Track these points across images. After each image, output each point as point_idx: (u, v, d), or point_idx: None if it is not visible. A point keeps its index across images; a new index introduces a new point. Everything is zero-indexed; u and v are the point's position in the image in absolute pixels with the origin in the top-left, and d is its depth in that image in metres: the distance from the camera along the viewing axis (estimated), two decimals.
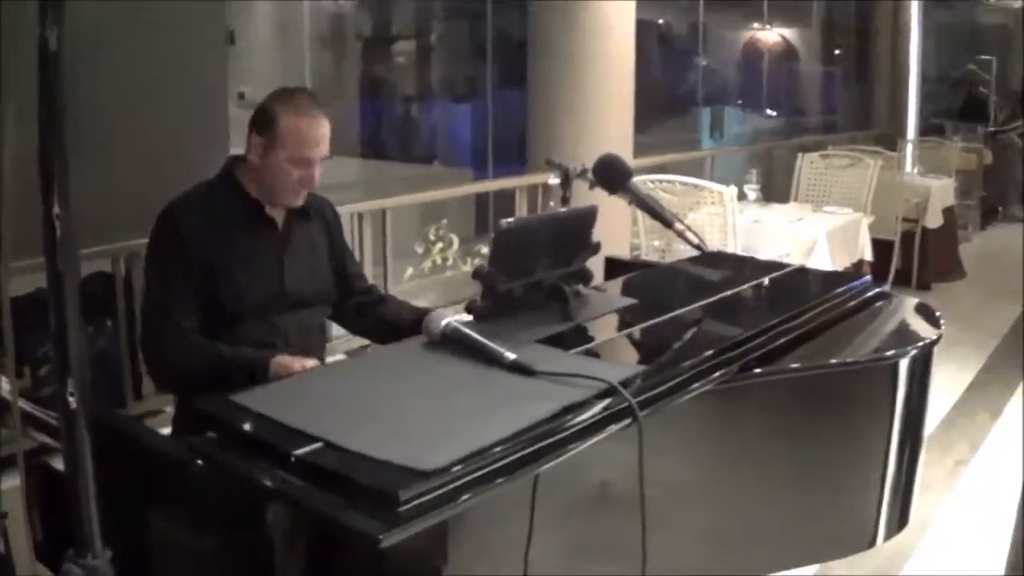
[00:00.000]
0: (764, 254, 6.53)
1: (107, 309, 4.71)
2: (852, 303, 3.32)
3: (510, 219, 2.74)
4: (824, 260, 7.11)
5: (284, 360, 2.99)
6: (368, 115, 9.97)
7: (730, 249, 6.52)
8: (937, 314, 3.35)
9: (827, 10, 15.36)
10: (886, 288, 3.58)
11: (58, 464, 2.53)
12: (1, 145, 1.81)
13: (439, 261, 7.58)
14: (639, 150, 7.86)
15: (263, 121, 3.19)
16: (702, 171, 10.05)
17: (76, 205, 1.74)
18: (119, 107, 4.29)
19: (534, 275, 2.82)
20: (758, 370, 2.70)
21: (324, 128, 3.22)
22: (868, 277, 3.80)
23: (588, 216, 2.97)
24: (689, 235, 3.47)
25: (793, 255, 6.89)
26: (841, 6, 15.37)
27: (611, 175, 3.44)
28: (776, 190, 9.91)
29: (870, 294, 3.43)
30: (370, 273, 5.76)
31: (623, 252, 6.51)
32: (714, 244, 6.28)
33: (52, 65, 1.73)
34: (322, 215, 3.52)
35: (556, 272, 2.87)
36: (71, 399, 1.78)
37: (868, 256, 8.10)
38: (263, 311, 3.23)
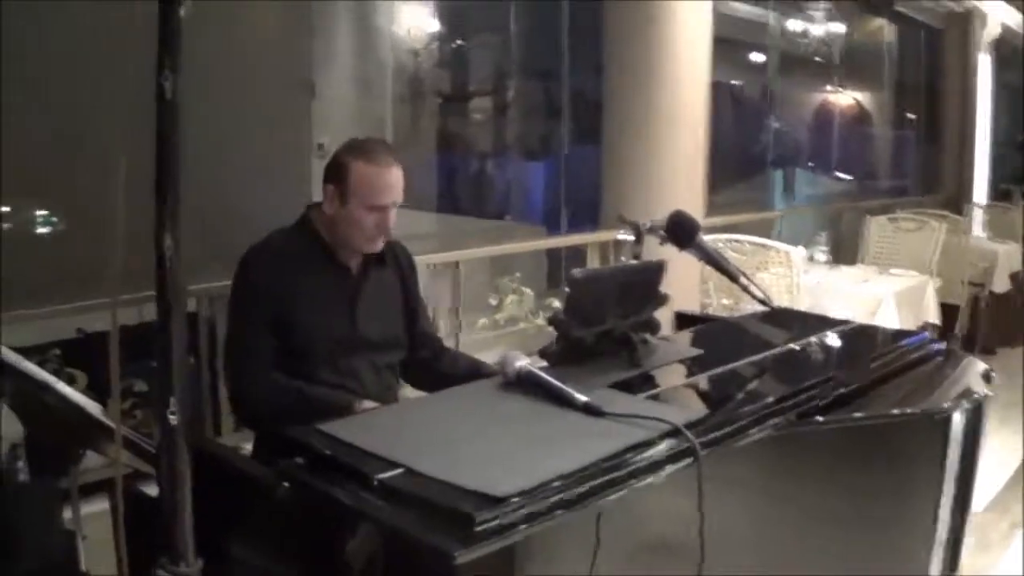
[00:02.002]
0: (830, 315, 6.58)
1: (190, 348, 4.84)
2: (910, 358, 3.40)
3: (583, 269, 2.86)
4: (890, 322, 7.11)
5: (368, 406, 3.12)
6: (444, 170, 10.08)
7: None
8: (991, 372, 3.42)
9: (900, 73, 15.32)
10: (943, 345, 3.65)
11: (146, 488, 2.66)
12: (117, 191, 1.95)
13: (512, 313, 7.68)
14: (710, 210, 7.92)
15: (336, 172, 3.33)
16: (772, 232, 10.09)
17: None
18: (204, 154, 4.42)
19: (605, 323, 2.93)
20: (817, 418, 2.80)
21: (396, 175, 3.33)
22: (927, 333, 3.88)
23: (657, 269, 3.08)
24: (754, 290, 3.57)
25: (859, 316, 6.90)
26: (913, 69, 15.34)
27: (681, 231, 3.55)
28: (845, 252, 9.93)
29: (929, 350, 3.52)
30: (444, 323, 5.88)
31: (694, 306, 6.57)
32: (781, 304, 6.35)
33: (168, 112, 1.88)
34: (398, 263, 3.62)
35: (626, 321, 2.98)
36: (172, 417, 1.92)
37: (934, 319, 8.09)
38: (335, 354, 3.33)
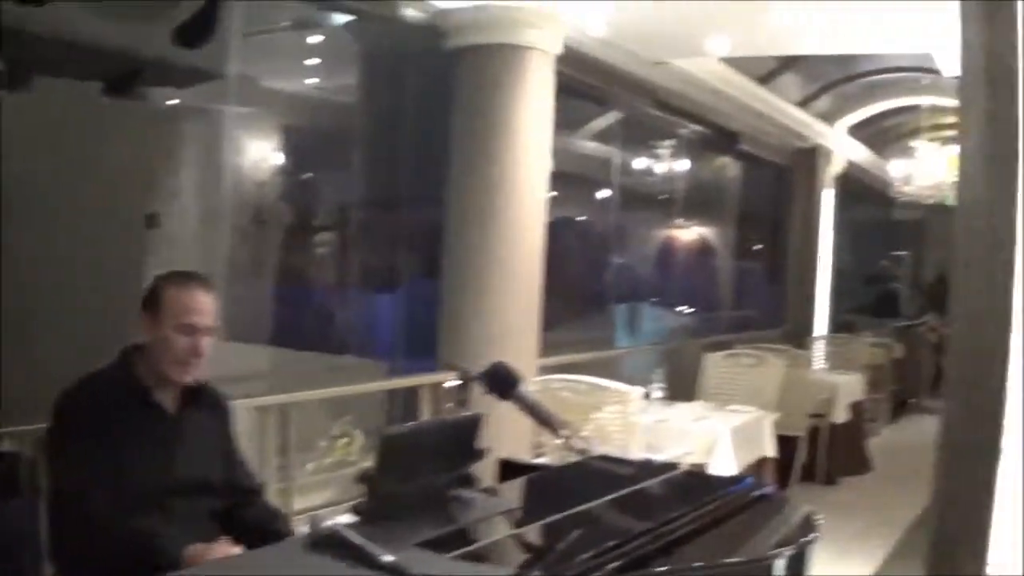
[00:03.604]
0: (667, 453, 6.63)
1: (13, 490, 4.68)
2: (734, 505, 3.43)
3: (395, 426, 2.86)
4: (727, 458, 7.25)
5: (198, 548, 3.07)
6: (284, 303, 9.96)
7: (633, 448, 6.57)
8: (815, 515, 3.46)
9: (744, 207, 15.69)
10: (768, 489, 3.68)
11: None
12: None
13: (341, 457, 7.55)
14: (552, 348, 7.96)
15: (150, 298, 3.36)
16: (614, 367, 10.16)
17: None
18: (42, 288, 4.35)
19: (419, 479, 2.91)
20: (636, 572, 2.79)
21: (207, 299, 3.37)
22: (751, 479, 3.91)
23: (473, 423, 3.09)
24: (574, 442, 3.59)
25: (696, 454, 7.00)
26: (758, 203, 15.73)
27: (499, 383, 3.55)
28: (685, 388, 10.02)
29: (754, 495, 3.54)
30: (271, 466, 5.78)
31: (526, 449, 6.55)
32: (617, 443, 6.37)
33: None
34: (214, 407, 3.60)
35: (441, 477, 2.97)
36: None
37: (771, 453, 8.22)
38: (154, 498, 3.27)
